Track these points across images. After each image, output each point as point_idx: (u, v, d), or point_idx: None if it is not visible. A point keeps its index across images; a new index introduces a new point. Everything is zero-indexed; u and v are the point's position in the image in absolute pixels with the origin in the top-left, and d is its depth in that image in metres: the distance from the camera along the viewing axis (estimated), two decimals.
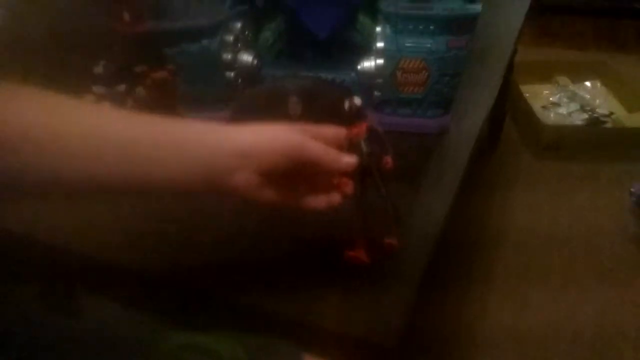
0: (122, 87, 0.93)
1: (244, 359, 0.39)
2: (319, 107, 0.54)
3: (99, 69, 0.91)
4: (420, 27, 0.69)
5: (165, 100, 0.62)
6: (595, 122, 1.83)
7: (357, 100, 0.50)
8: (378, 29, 0.71)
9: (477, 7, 0.68)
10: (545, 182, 1.61)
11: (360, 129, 0.49)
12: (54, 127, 0.39)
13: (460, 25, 0.69)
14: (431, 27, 0.68)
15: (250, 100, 0.56)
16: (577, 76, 2.03)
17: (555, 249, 1.37)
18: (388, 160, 0.51)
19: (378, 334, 0.45)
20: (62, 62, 0.86)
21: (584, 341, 1.15)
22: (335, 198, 0.47)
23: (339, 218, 0.49)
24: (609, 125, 1.82)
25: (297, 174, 0.44)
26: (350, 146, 0.48)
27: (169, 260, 0.52)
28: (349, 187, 0.47)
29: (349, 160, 0.45)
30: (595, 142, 1.72)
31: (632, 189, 1.47)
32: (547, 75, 2.04)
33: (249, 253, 0.54)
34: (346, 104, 0.51)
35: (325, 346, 0.46)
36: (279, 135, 0.43)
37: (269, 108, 0.54)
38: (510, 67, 1.54)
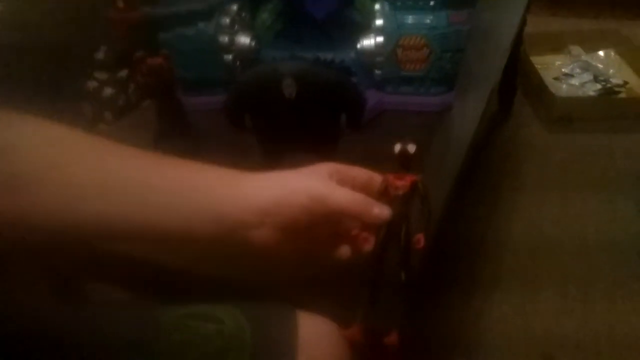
0: (124, 73, 0.93)
1: (245, 324, 0.39)
2: (315, 89, 0.53)
3: (100, 55, 0.92)
4: (420, 2, 0.68)
5: (163, 86, 0.62)
6: (609, 92, 1.79)
7: (412, 147, 0.40)
8: (377, 6, 0.70)
9: None
10: (558, 156, 1.57)
11: (405, 181, 0.40)
12: (59, 164, 0.39)
13: None
14: (431, 3, 0.67)
15: (244, 84, 0.55)
16: (591, 45, 1.97)
17: (567, 235, 1.29)
18: (420, 238, 0.39)
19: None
20: (63, 49, 0.86)
21: (592, 350, 1.06)
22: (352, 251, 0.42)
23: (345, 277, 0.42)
24: (623, 95, 1.78)
25: (323, 224, 0.40)
26: (385, 198, 0.40)
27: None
28: (369, 244, 0.40)
29: (381, 211, 0.39)
30: (609, 113, 1.68)
31: None
32: (560, 45, 1.99)
33: None
34: (396, 147, 0.40)
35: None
36: (301, 188, 0.39)
37: (263, 91, 0.53)
38: (519, 39, 1.51)
